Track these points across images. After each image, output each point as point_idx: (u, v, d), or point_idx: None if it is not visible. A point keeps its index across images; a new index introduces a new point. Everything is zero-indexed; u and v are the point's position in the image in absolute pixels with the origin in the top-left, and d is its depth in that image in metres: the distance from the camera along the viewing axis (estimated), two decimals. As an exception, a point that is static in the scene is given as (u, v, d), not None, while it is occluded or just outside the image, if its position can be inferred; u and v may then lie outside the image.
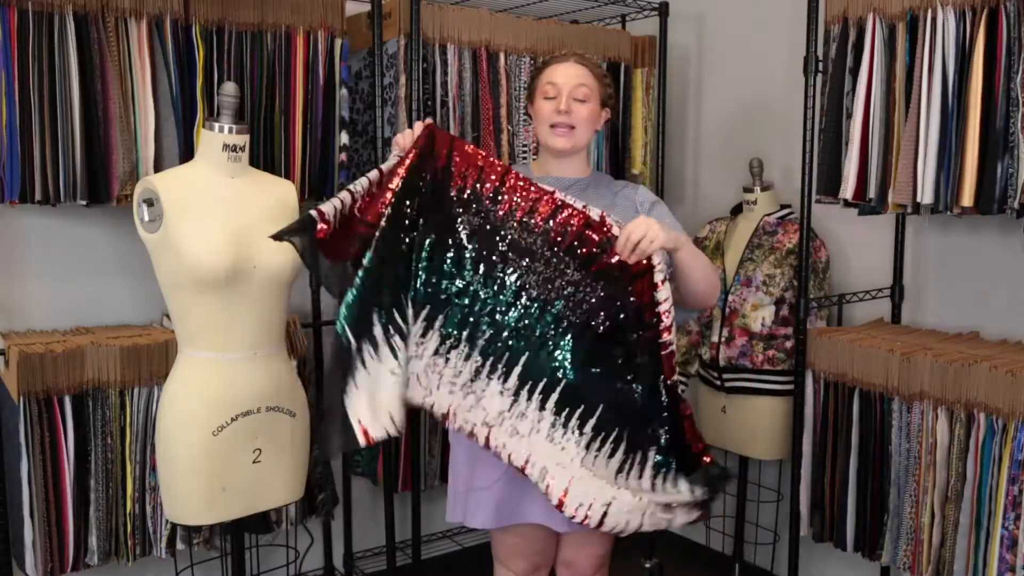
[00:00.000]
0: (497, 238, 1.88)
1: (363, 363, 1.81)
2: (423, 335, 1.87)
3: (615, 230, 1.84)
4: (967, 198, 2.06)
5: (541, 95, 2.07)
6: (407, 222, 1.84)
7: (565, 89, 2.03)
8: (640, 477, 1.88)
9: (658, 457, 1.88)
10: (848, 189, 2.29)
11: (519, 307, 1.87)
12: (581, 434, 1.86)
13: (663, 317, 1.84)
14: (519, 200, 1.88)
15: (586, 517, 1.86)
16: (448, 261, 1.87)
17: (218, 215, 2.00)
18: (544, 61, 2.13)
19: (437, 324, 1.87)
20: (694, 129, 3.42)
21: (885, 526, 2.36)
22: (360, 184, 1.82)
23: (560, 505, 1.86)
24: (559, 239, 1.86)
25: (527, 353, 1.86)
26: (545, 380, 1.86)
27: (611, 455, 1.87)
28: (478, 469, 2.05)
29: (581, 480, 1.86)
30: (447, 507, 2.17)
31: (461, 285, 1.87)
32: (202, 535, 2.45)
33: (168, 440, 2.04)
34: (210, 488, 2.04)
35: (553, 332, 1.86)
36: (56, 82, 2.17)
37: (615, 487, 1.87)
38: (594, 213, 1.86)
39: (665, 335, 1.85)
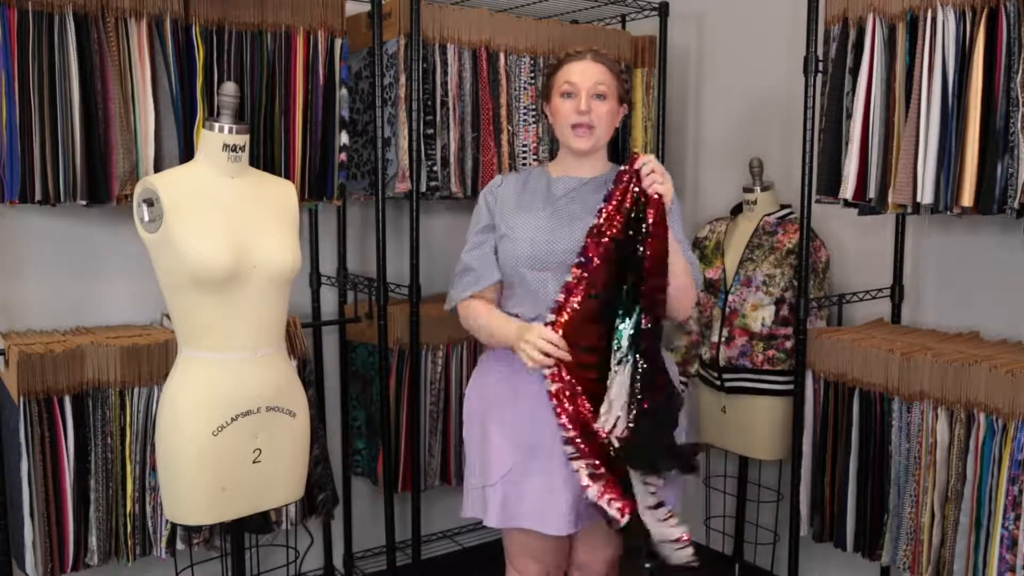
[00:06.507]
0: None
1: None
2: None
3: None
4: (967, 198, 2.06)
5: (558, 93, 2.04)
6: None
7: (584, 87, 2.01)
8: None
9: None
10: (848, 189, 2.29)
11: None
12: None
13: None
14: None
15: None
16: None
17: (218, 215, 2.00)
18: (559, 59, 2.10)
19: None
20: (694, 129, 3.42)
21: (885, 526, 2.36)
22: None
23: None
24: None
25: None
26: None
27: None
28: (488, 465, 2.06)
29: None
30: (464, 503, 2.16)
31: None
32: (202, 535, 2.45)
33: (168, 440, 2.04)
34: (210, 488, 2.04)
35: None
36: (56, 82, 2.17)
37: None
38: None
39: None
